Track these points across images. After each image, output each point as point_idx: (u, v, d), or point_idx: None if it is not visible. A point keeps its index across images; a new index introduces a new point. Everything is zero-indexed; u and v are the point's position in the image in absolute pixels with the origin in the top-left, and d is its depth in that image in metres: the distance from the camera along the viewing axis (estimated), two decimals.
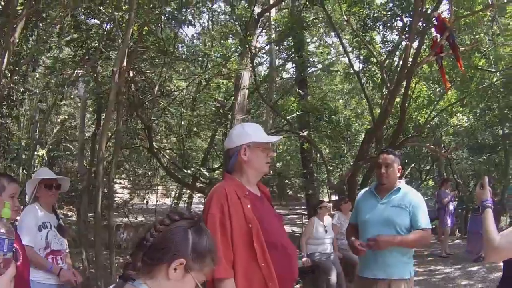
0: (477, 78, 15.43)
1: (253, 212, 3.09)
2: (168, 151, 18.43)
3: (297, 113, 16.97)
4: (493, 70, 14.97)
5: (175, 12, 13.27)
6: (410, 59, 11.22)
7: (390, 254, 4.36)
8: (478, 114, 19.85)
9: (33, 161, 16.88)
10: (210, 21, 21.91)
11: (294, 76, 22.03)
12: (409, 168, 22.94)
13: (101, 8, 12.09)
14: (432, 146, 16.77)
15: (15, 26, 8.60)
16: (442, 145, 20.46)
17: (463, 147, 23.20)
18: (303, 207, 27.20)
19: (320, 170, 23.23)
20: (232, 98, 16.12)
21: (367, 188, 4.97)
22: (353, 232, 4.76)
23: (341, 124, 16.48)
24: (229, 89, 17.47)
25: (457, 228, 18.87)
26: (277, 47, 18.21)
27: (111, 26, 13.04)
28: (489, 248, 3.28)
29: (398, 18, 14.37)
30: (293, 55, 17.72)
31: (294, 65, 20.68)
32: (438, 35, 9.65)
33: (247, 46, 14.15)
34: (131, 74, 12.88)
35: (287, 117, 16.13)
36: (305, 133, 15.24)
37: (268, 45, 18.15)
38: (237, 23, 16.63)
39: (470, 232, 13.45)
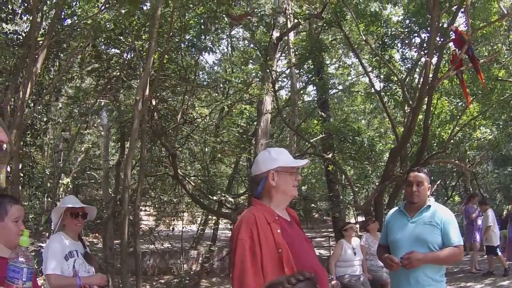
0: (498, 89, 15.31)
1: (283, 237, 3.06)
2: (192, 177, 18.47)
3: (321, 135, 16.96)
4: None
5: (195, 40, 13.40)
6: (430, 75, 11.19)
7: (422, 273, 4.31)
8: (501, 126, 19.68)
9: (58, 189, 17.02)
10: (230, 47, 22.10)
11: (315, 98, 22.08)
12: (435, 185, 22.71)
13: (121, 37, 12.24)
14: (457, 162, 16.61)
15: (36, 56, 8.73)
16: (467, 160, 20.25)
17: (487, 160, 22.98)
18: (329, 230, 27.06)
19: (346, 192, 23.15)
20: (255, 123, 16.17)
21: (396, 208, 4.92)
22: (384, 252, 4.68)
23: (365, 144, 16.42)
24: (252, 114, 17.53)
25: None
26: (297, 70, 18.25)
27: (132, 55, 13.21)
28: None
29: (416, 35, 14.38)
30: (313, 77, 17.74)
31: (314, 87, 20.73)
32: (457, 49, 9.63)
33: (268, 70, 14.22)
34: (153, 102, 12.98)
35: (311, 140, 16.12)
36: (329, 155, 15.20)
37: (288, 69, 18.21)
38: (256, 48, 16.74)
39: (510, 240, 13.33)
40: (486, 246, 12.90)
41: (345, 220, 19.72)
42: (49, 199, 16.46)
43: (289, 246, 3.04)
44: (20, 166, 10.92)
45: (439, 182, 23.41)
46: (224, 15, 12.10)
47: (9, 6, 10.03)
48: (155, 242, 19.53)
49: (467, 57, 9.84)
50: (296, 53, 16.48)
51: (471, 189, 23.43)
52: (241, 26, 15.31)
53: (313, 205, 19.48)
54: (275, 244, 3.01)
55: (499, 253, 12.66)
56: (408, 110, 13.95)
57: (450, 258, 4.42)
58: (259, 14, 12.63)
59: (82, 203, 4.89)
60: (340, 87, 22.87)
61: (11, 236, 3.13)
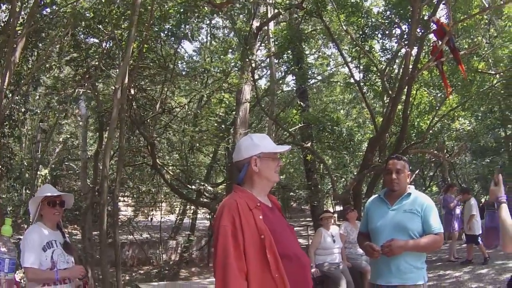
0: (477, 81, 15.44)
1: (265, 223, 3.04)
2: (171, 167, 18.41)
3: (300, 125, 16.97)
4: (493, 72, 14.96)
5: (174, 29, 13.32)
6: (410, 66, 11.24)
7: (403, 260, 4.33)
8: (479, 118, 19.90)
9: (36, 180, 16.87)
10: (210, 36, 22.04)
11: (294, 88, 22.10)
12: (414, 175, 22.89)
13: (100, 26, 12.12)
14: (435, 152, 16.75)
15: (15, 46, 8.61)
16: (445, 150, 20.43)
17: (466, 151, 23.21)
18: (308, 219, 27.16)
19: (324, 181, 23.24)
20: (233, 112, 16.13)
21: (375, 195, 4.93)
22: (365, 240, 4.68)
23: (344, 134, 16.46)
24: (231, 104, 17.50)
25: (464, 232, 18.90)
26: (277, 60, 18.23)
27: (111, 44, 13.09)
28: (507, 239, 3.34)
29: (396, 26, 14.43)
30: (292, 67, 17.74)
31: (294, 77, 20.74)
32: (438, 40, 9.68)
33: (247, 59, 14.18)
34: (132, 91, 12.89)
35: (290, 130, 16.13)
36: (308, 145, 15.22)
37: (268, 59, 18.19)
38: (236, 37, 16.67)
39: (487, 228, 13.51)
40: (468, 235, 13.05)
41: (323, 209, 19.79)
42: (28, 191, 16.32)
43: (271, 232, 3.03)
44: None
45: (417, 172, 23.61)
46: (205, 3, 12.01)
47: None
48: (133, 233, 19.48)
49: (447, 48, 9.91)
50: (276, 43, 16.45)
51: (449, 179, 23.66)
52: (222, 14, 15.15)
53: (292, 193, 19.49)
54: (257, 230, 3.00)
55: (480, 242, 12.81)
56: (388, 101, 14.01)
57: (430, 245, 4.43)
58: (241, 1, 12.57)
59: (59, 192, 4.82)
60: (319, 77, 22.91)
61: None
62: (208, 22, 17.35)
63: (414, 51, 11.87)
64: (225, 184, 18.29)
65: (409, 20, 13.15)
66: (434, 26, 10.13)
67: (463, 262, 12.97)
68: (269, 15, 15.92)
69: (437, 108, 16.34)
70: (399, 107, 12.86)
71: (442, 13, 15.31)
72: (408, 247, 4.30)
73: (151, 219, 21.51)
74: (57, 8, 11.09)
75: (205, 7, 12.66)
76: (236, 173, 3.42)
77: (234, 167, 3.42)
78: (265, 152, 3.24)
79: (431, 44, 11.14)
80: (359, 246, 5.11)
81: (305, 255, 3.33)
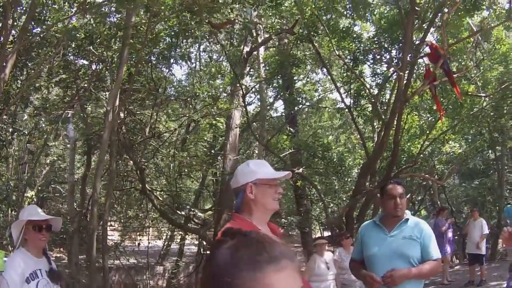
0: (468, 104, 15.49)
1: None
2: (159, 192, 18.26)
3: (290, 150, 16.93)
4: (483, 94, 15.03)
5: (165, 52, 13.29)
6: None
7: None
8: (469, 140, 19.97)
9: (23, 202, 16.66)
10: (199, 62, 22.08)
11: (283, 114, 22.09)
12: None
13: (91, 47, 12.06)
14: (427, 176, 16.73)
15: (4, 64, 8.49)
16: (435, 174, 20.44)
17: (454, 173, 23.26)
18: (296, 245, 26.98)
19: (313, 206, 23.12)
20: (222, 138, 16.07)
21: (370, 221, 4.79)
22: (359, 268, 4.55)
23: (335, 159, 16.41)
24: (219, 130, 17.45)
25: (454, 255, 18.92)
26: (266, 86, 18.22)
27: (100, 67, 13.03)
28: None
29: (386, 52, 14.47)
30: (282, 93, 17.72)
31: (283, 103, 20.73)
32: (432, 64, 9.67)
33: (238, 85, 14.16)
34: (121, 115, 12.80)
35: (280, 155, 16.08)
36: (299, 170, 15.15)
37: (258, 84, 18.17)
38: (226, 62, 16.68)
39: None
40: (473, 254, 12.95)
41: (312, 235, 19.68)
42: (14, 213, 16.08)
43: None
44: None
45: (408, 196, 23.57)
46: (203, 24, 11.96)
47: None
48: (120, 258, 19.24)
49: (441, 71, 9.91)
50: (267, 68, 16.44)
51: (438, 202, 23.65)
52: (221, 36, 15.10)
53: (283, 220, 19.38)
54: None
55: (484, 262, 12.81)
56: (379, 125, 14.00)
57: (431, 272, 4.40)
58: (241, 23, 12.54)
59: (45, 214, 4.48)
60: (308, 103, 22.90)
61: None
62: (197, 46, 17.34)
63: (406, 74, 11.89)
64: (213, 210, 18.15)
65: (400, 44, 13.20)
66: (427, 50, 10.14)
67: (466, 284, 12.86)
68: (260, 40, 15.92)
69: (427, 132, 16.34)
70: (390, 131, 12.85)
71: (431, 37, 15.39)
72: (410, 276, 4.20)
73: (138, 244, 21.32)
74: (49, 24, 10.97)
75: (197, 31, 12.62)
76: (226, 198, 3.32)
77: (233, 194, 3.32)
78: (262, 179, 3.14)
79: (424, 68, 11.15)
80: (352, 274, 4.96)
81: (307, 284, 3.22)
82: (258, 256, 1.29)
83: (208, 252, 3.00)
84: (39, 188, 20.81)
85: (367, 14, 14.76)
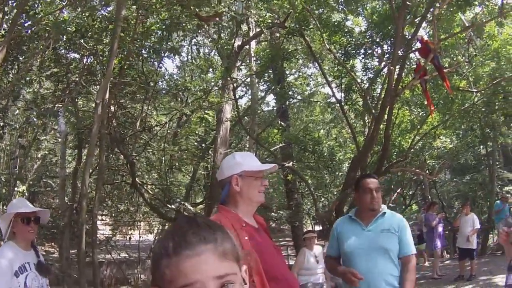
0: (459, 99, 15.54)
1: (251, 244, 2.92)
2: (150, 186, 18.23)
3: (281, 144, 16.92)
4: (474, 90, 15.07)
5: (156, 46, 13.25)
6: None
7: (385, 282, 4.16)
8: (460, 136, 20.05)
9: (13, 196, 16.58)
10: (190, 55, 22.04)
11: (274, 108, 22.10)
12: (395, 194, 22.94)
13: (82, 41, 12.00)
14: (417, 170, 16.77)
15: None
16: (426, 169, 20.49)
17: (445, 169, 23.34)
18: (287, 239, 27.03)
19: (304, 200, 23.17)
20: (213, 132, 16.04)
21: (345, 216, 4.71)
22: (336, 264, 4.47)
23: (325, 154, 16.43)
24: (211, 123, 17.42)
25: (445, 250, 18.98)
26: (257, 80, 18.20)
27: (92, 60, 12.97)
28: None
29: (378, 46, 14.49)
30: (273, 86, 17.72)
31: (274, 97, 20.73)
32: (422, 58, 9.68)
33: (229, 78, 14.13)
34: (112, 108, 12.76)
35: (271, 149, 16.08)
36: (289, 164, 15.16)
37: (249, 78, 18.16)
38: (217, 56, 16.63)
39: None
40: (464, 249, 12.94)
41: (303, 229, 19.71)
42: (4, 207, 16.01)
43: (258, 254, 2.90)
44: None
45: (398, 191, 23.65)
46: (192, 18, 11.91)
47: None
48: (111, 252, 19.21)
49: (431, 66, 9.92)
50: (258, 62, 16.42)
51: (429, 197, 23.73)
52: (208, 28, 15.04)
53: (273, 213, 19.42)
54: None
55: (475, 257, 12.84)
56: (369, 120, 14.01)
57: (414, 273, 4.32)
58: (229, 15, 12.51)
59: (33, 206, 4.46)
60: (299, 97, 22.91)
61: None
62: (189, 40, 17.26)
63: (396, 69, 11.89)
64: (204, 204, 18.14)
65: (391, 39, 13.21)
66: (418, 44, 10.15)
67: (456, 278, 12.88)
68: (251, 34, 15.90)
69: (418, 127, 16.38)
70: (381, 126, 12.86)
71: (423, 32, 15.41)
72: None
73: (130, 238, 21.31)
74: (39, 17, 10.90)
75: (188, 25, 12.57)
76: (217, 192, 3.32)
77: (218, 186, 3.31)
78: (248, 171, 3.13)
79: (415, 62, 11.17)
80: (329, 271, 4.87)
81: (293, 276, 3.24)
82: (174, 242, 1.30)
83: None
84: (31, 182, 20.74)
85: (359, 9, 14.79)
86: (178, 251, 1.28)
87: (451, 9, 12.53)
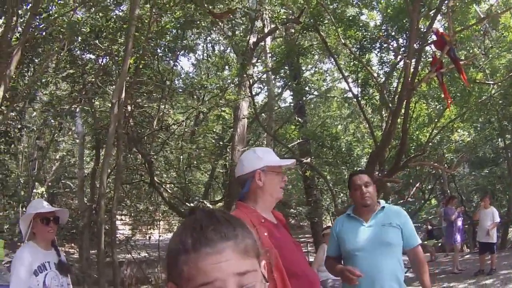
0: (476, 92, 15.40)
1: (271, 240, 2.89)
2: (168, 185, 18.27)
3: (298, 140, 16.88)
4: (491, 82, 14.92)
5: (171, 44, 13.26)
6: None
7: (390, 279, 4.09)
8: (478, 128, 19.89)
9: (32, 198, 16.71)
10: (206, 52, 22.05)
11: (291, 104, 22.07)
12: (414, 189, 22.81)
13: (97, 41, 12.04)
14: (436, 164, 16.63)
15: (9, 61, 8.49)
16: (444, 163, 20.34)
17: (464, 162, 23.17)
18: (307, 235, 26.98)
19: (322, 196, 23.12)
20: (231, 129, 16.03)
21: (343, 215, 4.58)
22: (336, 264, 4.33)
23: (343, 149, 16.37)
24: (228, 121, 17.42)
25: (465, 244, 18.83)
26: (274, 76, 18.18)
27: (107, 60, 13.02)
28: None
29: (393, 40, 14.38)
30: (290, 82, 17.67)
31: (291, 93, 20.68)
32: (438, 51, 9.58)
33: (245, 75, 14.11)
34: (129, 108, 12.80)
35: (289, 145, 16.05)
36: (308, 160, 15.11)
37: (265, 74, 18.14)
38: (233, 53, 16.61)
39: None
40: (484, 243, 12.77)
41: (322, 225, 19.65)
42: (24, 209, 16.16)
43: (277, 250, 2.87)
44: None
45: (417, 185, 23.55)
46: (206, 15, 11.89)
47: None
48: (131, 252, 19.29)
49: (447, 58, 9.82)
50: (274, 58, 16.39)
51: (448, 191, 23.57)
52: (222, 25, 15.01)
53: (292, 210, 19.40)
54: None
55: (495, 251, 12.71)
56: (386, 114, 13.93)
57: (425, 263, 4.33)
58: (243, 11, 12.49)
59: (51, 206, 4.51)
60: (316, 93, 22.86)
61: None
62: (204, 38, 17.29)
63: (413, 62, 11.80)
64: (223, 201, 18.14)
65: (407, 32, 13.11)
66: (434, 37, 10.05)
67: (476, 273, 12.76)
68: (266, 30, 15.87)
69: (435, 120, 16.26)
70: (398, 120, 12.77)
71: (438, 25, 15.30)
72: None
73: (149, 237, 21.37)
74: (53, 18, 10.95)
75: (202, 22, 12.57)
76: (236, 189, 3.28)
77: (236, 183, 3.27)
78: (270, 166, 3.09)
79: (431, 55, 11.06)
80: (329, 271, 4.75)
81: (314, 272, 3.19)
82: (194, 238, 1.26)
83: None
84: (49, 184, 20.90)
85: (373, 2, 14.71)
86: (197, 247, 1.24)
87: (466, 0, 12.43)
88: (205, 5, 10.41)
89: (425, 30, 12.41)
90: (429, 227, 18.62)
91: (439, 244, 20.58)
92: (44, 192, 19.09)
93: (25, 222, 4.30)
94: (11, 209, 16.45)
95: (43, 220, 4.25)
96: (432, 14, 12.23)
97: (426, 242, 17.44)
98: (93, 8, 11.77)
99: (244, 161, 3.17)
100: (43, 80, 12.76)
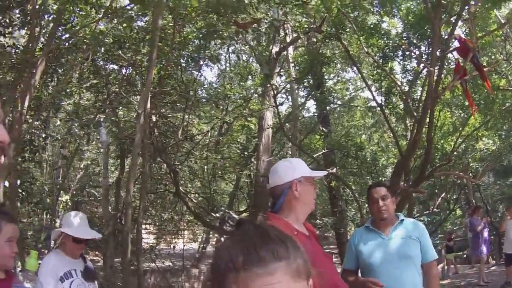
0: (499, 99, 15.22)
1: None
2: (193, 195, 18.32)
3: (323, 150, 16.86)
4: None
5: (194, 54, 13.33)
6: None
7: None
8: (503, 136, 19.66)
9: (58, 206, 16.86)
10: (229, 63, 22.13)
11: (315, 114, 22.03)
12: (439, 199, 22.59)
13: (120, 52, 12.15)
14: (461, 174, 16.47)
15: (34, 70, 8.59)
16: (469, 172, 20.14)
17: (489, 171, 22.92)
18: (331, 246, 26.86)
19: (347, 207, 23.02)
20: (255, 139, 16.05)
21: (362, 227, 4.61)
22: (355, 276, 4.33)
23: (368, 159, 16.30)
24: (252, 130, 17.44)
25: (490, 255, 18.57)
26: (297, 86, 18.17)
27: (130, 70, 13.12)
28: None
29: (415, 47, 14.31)
30: (313, 92, 17.64)
31: (315, 102, 20.64)
32: (462, 58, 9.52)
33: (268, 85, 14.13)
34: (153, 118, 12.89)
35: (313, 156, 16.03)
36: (333, 171, 15.08)
37: (289, 84, 18.14)
38: (256, 62, 16.63)
39: None
40: (511, 255, 12.55)
41: (347, 236, 19.56)
42: (48, 216, 16.29)
43: (310, 262, 2.86)
44: (18, 182, 10.77)
45: (443, 195, 23.33)
46: (223, 29, 11.93)
47: (7, 19, 9.89)
48: (155, 260, 19.34)
49: (471, 65, 9.75)
50: (296, 67, 16.38)
51: (473, 201, 23.31)
52: (246, 35, 15.02)
53: (318, 220, 19.32)
54: None
55: None
56: (411, 123, 13.84)
57: (438, 279, 4.46)
58: (268, 21, 12.50)
59: (88, 227, 4.54)
60: (339, 102, 22.81)
61: (3, 257, 2.87)
62: (227, 47, 17.35)
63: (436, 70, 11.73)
64: (248, 211, 18.13)
65: (429, 39, 13.04)
66: (456, 44, 9.99)
67: (502, 285, 12.57)
68: (288, 40, 15.88)
69: (460, 128, 16.11)
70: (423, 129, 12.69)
71: (459, 31, 15.17)
72: None
73: (174, 247, 21.42)
74: (76, 29, 11.06)
75: (225, 32, 12.61)
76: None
77: (269, 194, 3.27)
78: (305, 176, 3.10)
79: (453, 62, 10.98)
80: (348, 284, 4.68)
81: (346, 285, 3.17)
82: (246, 255, 1.21)
83: None
84: (74, 192, 21.07)
85: (394, 10, 14.64)
86: (248, 267, 1.20)
87: (486, 5, 12.31)
88: (228, 14, 10.44)
89: (446, 36, 12.30)
90: (450, 243, 18.30)
91: (464, 256, 20.37)
92: (68, 200, 19.25)
93: (58, 234, 4.39)
94: (35, 216, 16.57)
95: (75, 240, 4.30)
96: (453, 21, 12.14)
97: (447, 256, 17.27)
98: (116, 19, 11.89)
99: (280, 171, 3.15)
100: (67, 90, 12.90)
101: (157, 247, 20.52)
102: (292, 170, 3.10)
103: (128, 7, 10.95)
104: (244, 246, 1.24)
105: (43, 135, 13.33)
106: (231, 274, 1.21)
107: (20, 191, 12.03)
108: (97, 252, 20.02)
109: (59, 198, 17.45)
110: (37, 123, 12.09)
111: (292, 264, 1.24)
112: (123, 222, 15.15)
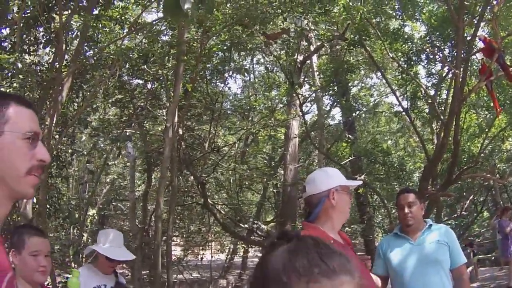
0: None
1: None
2: (220, 206, 18.38)
3: (350, 158, 16.82)
4: None
5: (219, 67, 13.40)
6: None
7: None
8: None
9: (86, 220, 16.99)
10: (253, 74, 22.20)
11: (341, 121, 21.99)
12: (467, 202, 22.37)
13: (145, 67, 12.25)
14: (489, 175, 16.30)
15: (61, 87, 8.70)
16: (496, 173, 19.92)
17: None
18: (360, 253, 26.72)
19: (375, 213, 22.90)
20: (281, 149, 16.07)
21: (390, 234, 4.65)
22: (383, 285, 4.36)
23: (395, 165, 16.22)
24: (278, 140, 17.45)
25: None
26: (322, 94, 18.18)
27: (156, 85, 13.22)
28: None
29: (440, 50, 14.24)
30: (338, 100, 17.61)
31: (340, 110, 20.63)
32: (487, 59, 9.44)
33: (294, 94, 14.14)
34: (180, 131, 12.97)
35: (340, 163, 15.99)
36: (362, 177, 15.02)
37: (314, 93, 18.15)
38: (279, 73, 16.66)
39: None
40: None
41: (375, 242, 19.45)
42: (76, 231, 16.43)
43: None
44: (46, 197, 10.88)
45: (470, 198, 23.09)
46: (247, 40, 11.98)
47: (32, 37, 10.02)
48: (183, 272, 19.40)
49: (496, 65, 9.66)
50: (321, 76, 16.37)
51: (501, 202, 23.01)
52: (276, 46, 15.02)
53: (347, 228, 19.25)
54: None
55: None
56: (437, 127, 13.75)
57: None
58: (296, 30, 12.50)
59: (123, 247, 4.52)
60: (364, 109, 22.78)
61: (27, 271, 2.87)
62: (250, 59, 17.41)
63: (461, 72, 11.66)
64: (275, 221, 18.13)
65: (452, 42, 12.96)
66: (481, 44, 9.91)
67: None
68: (312, 48, 15.89)
69: (486, 130, 15.94)
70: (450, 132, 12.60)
71: (483, 32, 15.04)
72: None
73: (201, 258, 21.46)
74: (101, 46, 11.18)
75: (249, 44, 12.66)
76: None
77: (306, 203, 3.26)
78: (342, 185, 3.10)
79: (480, 64, 10.89)
80: None
81: None
82: (315, 266, 1.18)
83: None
84: (100, 206, 21.23)
85: (416, 14, 14.59)
86: (319, 278, 1.17)
87: (508, 4, 12.20)
88: (256, 26, 10.48)
89: (469, 38, 12.22)
90: (474, 250, 18.04)
91: (493, 258, 20.09)
92: (95, 214, 19.40)
93: (91, 250, 4.46)
94: (62, 231, 16.71)
95: (109, 259, 4.28)
96: (476, 21, 12.06)
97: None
98: (140, 33, 11.99)
99: (317, 180, 3.16)
100: (94, 106, 13.02)
101: (184, 259, 20.57)
102: (329, 179, 3.11)
103: (154, 21, 11.04)
104: (311, 258, 1.21)
105: (70, 151, 13.48)
106: (296, 286, 1.17)
107: (48, 206, 12.16)
108: (124, 265, 20.16)
109: (88, 213, 17.60)
110: (64, 138, 12.21)
111: (356, 277, 1.22)
112: (150, 235, 15.28)
